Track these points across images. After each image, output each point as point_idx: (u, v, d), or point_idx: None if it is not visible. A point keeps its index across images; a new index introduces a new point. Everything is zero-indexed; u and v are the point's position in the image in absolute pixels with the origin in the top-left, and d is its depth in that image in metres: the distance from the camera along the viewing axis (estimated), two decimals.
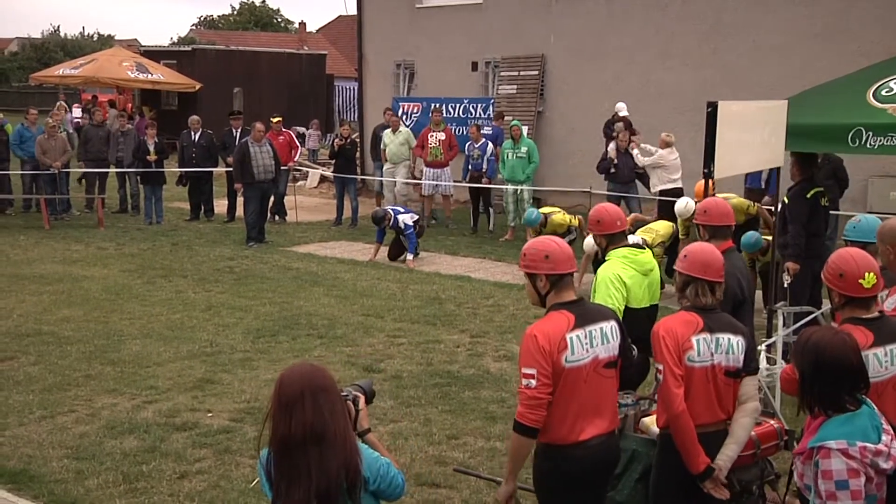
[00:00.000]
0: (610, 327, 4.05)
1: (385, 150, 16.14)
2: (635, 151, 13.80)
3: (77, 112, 25.53)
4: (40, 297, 10.66)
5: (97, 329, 9.34)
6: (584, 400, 3.95)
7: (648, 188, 13.78)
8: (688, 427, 4.03)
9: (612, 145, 13.99)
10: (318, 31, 57.16)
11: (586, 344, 3.95)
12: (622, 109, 15.21)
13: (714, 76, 15.28)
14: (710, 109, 5.83)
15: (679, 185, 13.31)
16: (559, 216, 12.24)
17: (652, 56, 16.23)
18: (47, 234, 14.88)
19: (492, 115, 17.87)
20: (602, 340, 4.00)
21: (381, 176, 16.47)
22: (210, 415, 7.04)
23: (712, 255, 4.25)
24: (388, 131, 16.25)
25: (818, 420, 3.28)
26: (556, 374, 3.89)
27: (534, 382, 3.86)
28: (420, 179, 16.16)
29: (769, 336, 7.09)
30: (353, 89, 26.25)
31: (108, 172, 16.89)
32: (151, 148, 16.11)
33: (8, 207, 16.79)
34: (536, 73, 17.67)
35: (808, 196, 7.93)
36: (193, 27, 65.83)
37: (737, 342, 4.12)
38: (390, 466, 3.15)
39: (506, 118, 16.45)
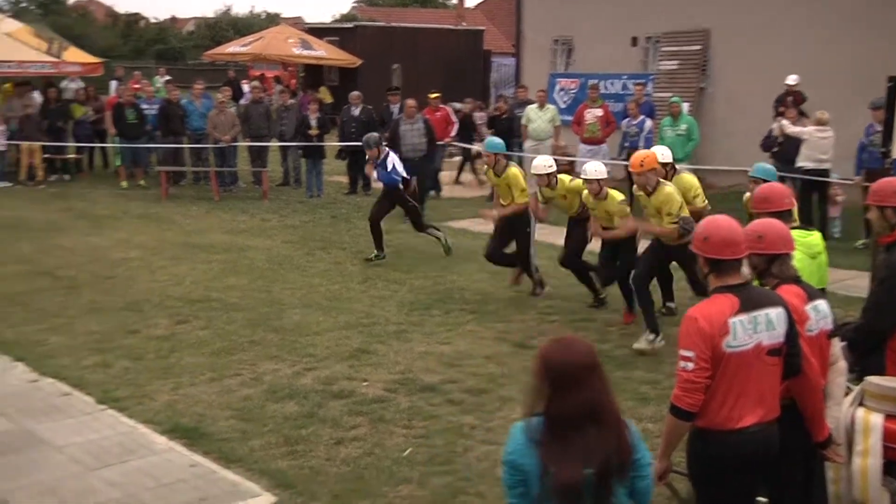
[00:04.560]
0: (777, 314, 3.90)
1: (527, 127, 15.97)
2: (784, 122, 13.28)
3: (246, 88, 26.56)
4: (210, 265, 11.22)
5: (261, 297, 9.76)
6: (745, 387, 3.84)
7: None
8: None
9: (781, 121, 13.43)
10: (476, 6, 57.25)
11: (749, 329, 3.82)
12: (793, 80, 14.52)
13: None
14: (891, 84, 5.50)
15: (827, 165, 12.82)
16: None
17: (827, 27, 15.37)
18: (216, 205, 15.63)
19: (651, 92, 17.45)
20: (767, 326, 3.86)
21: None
22: (366, 384, 7.25)
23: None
24: (533, 107, 16.03)
25: None
26: (715, 358, 3.79)
27: (691, 365, 3.78)
28: (564, 157, 15.91)
29: None
30: (510, 66, 26.20)
31: (268, 147, 17.53)
32: (313, 123, 16.62)
33: (181, 179, 17.72)
34: (700, 47, 17.11)
35: None
36: (355, 4, 67.16)
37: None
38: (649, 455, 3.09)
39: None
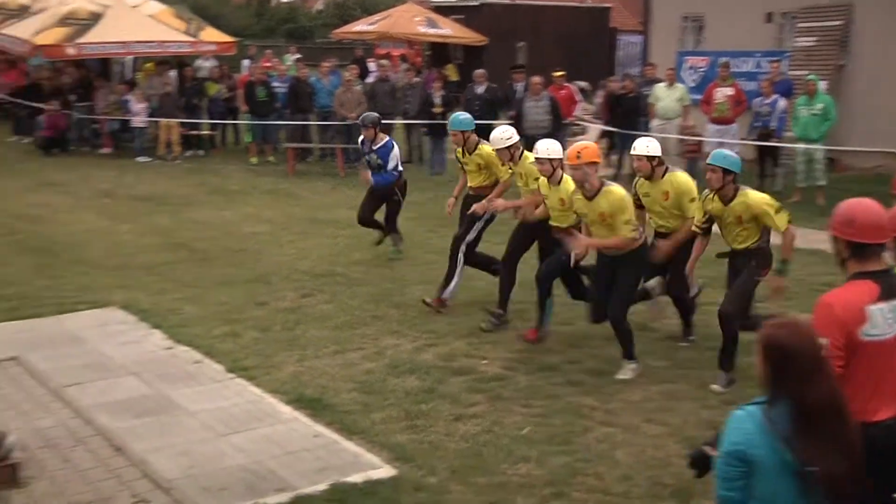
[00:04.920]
0: None
1: (655, 106, 15.66)
2: None
3: (373, 66, 26.94)
4: (335, 240, 11.48)
5: (383, 273, 9.92)
6: (883, 378, 3.68)
7: None
8: None
9: None
10: None
11: (890, 318, 3.65)
12: None
13: None
14: None
15: None
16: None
17: None
18: (341, 181, 15.93)
19: (785, 70, 16.80)
20: None
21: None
22: (485, 362, 7.28)
23: None
24: (662, 85, 15.78)
25: None
26: (850, 346, 3.63)
27: (824, 353, 3.64)
28: (693, 137, 15.52)
29: None
30: (637, 44, 25.68)
31: (393, 125, 17.72)
32: (437, 101, 16.70)
33: (308, 155, 18.13)
34: (840, 23, 16.34)
35: None
36: None
37: None
38: None
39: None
